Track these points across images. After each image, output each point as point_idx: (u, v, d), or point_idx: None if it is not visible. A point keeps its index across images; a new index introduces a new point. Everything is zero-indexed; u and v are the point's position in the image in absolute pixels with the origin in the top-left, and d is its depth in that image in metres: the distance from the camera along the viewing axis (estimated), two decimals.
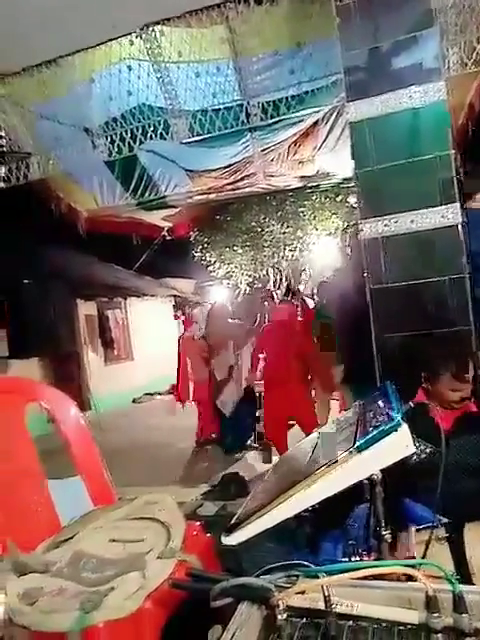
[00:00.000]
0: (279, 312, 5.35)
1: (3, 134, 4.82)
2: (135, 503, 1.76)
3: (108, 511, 1.74)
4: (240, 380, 5.39)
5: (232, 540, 1.11)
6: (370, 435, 1.08)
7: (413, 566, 1.09)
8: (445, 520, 1.58)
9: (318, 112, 4.21)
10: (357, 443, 1.10)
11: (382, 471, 1.15)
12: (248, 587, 0.87)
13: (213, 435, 6.01)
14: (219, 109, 4.07)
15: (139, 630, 1.23)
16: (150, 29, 3.86)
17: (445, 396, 1.93)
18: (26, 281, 8.09)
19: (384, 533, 1.24)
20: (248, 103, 4.00)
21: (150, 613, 1.25)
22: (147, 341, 10.93)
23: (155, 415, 8.36)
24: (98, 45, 4.06)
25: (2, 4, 3.39)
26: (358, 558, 1.42)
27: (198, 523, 1.64)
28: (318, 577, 0.89)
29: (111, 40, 4.01)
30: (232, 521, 1.17)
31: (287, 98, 3.92)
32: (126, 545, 1.57)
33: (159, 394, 10.05)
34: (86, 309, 9.63)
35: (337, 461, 1.07)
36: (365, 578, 0.89)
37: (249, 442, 5.47)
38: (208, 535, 1.60)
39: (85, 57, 4.15)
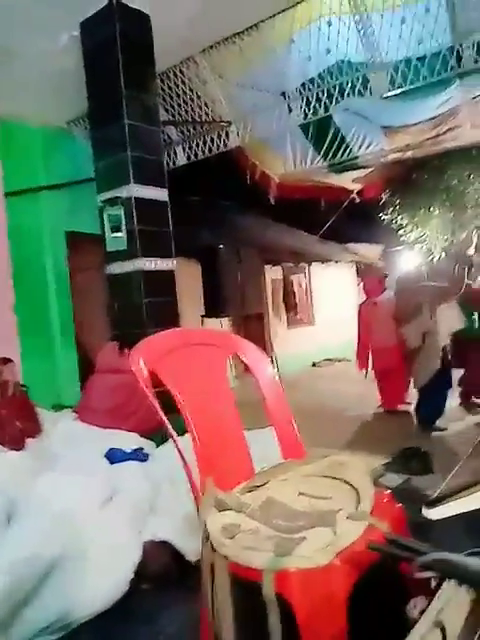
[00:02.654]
0: None
1: (204, 104, 5.11)
2: (324, 462, 1.79)
3: (297, 465, 1.81)
4: (436, 347, 4.98)
5: (435, 514, 1.05)
6: None
7: None
8: None
9: None
10: None
11: None
12: (458, 566, 0.81)
13: (400, 406, 5.80)
14: (425, 56, 3.72)
15: (328, 584, 1.26)
16: None
17: None
18: (220, 246, 8.64)
19: None
20: (460, 46, 3.57)
21: (340, 570, 1.27)
22: (329, 307, 10.93)
23: (334, 380, 8.38)
24: (297, 4, 4.00)
25: None
26: None
27: (388, 491, 1.61)
28: None
29: None
30: (435, 494, 1.11)
31: None
32: (313, 500, 1.61)
33: (338, 360, 10.03)
34: (273, 274, 9.96)
35: None
36: None
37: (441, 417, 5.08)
38: (399, 505, 1.56)
39: (284, 18, 4.13)
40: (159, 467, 2.95)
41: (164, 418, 1.67)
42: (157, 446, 3.35)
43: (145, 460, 3.15)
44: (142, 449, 3.26)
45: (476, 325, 5.21)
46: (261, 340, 9.02)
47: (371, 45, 3.88)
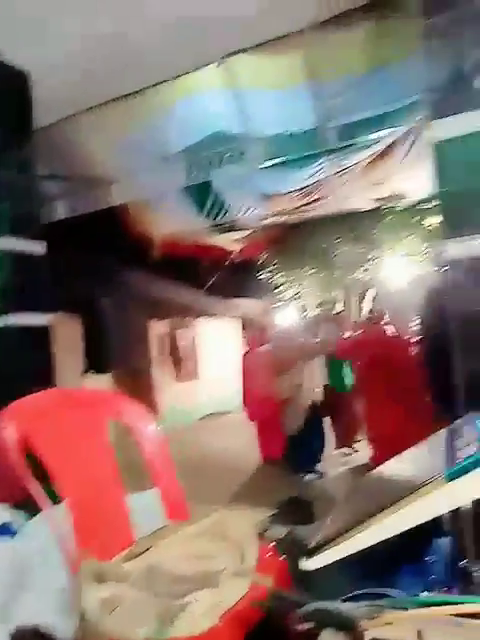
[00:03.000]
0: (365, 336, 5.18)
1: (87, 161, 5.12)
2: (208, 520, 1.77)
3: (181, 526, 1.77)
4: (305, 399, 5.28)
5: (312, 564, 1.09)
6: (461, 465, 1.03)
7: None
8: None
9: (395, 133, 4.17)
10: (446, 472, 1.04)
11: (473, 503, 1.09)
12: (333, 613, 0.85)
13: (278, 455, 5.93)
14: (295, 133, 4.12)
15: None
16: (229, 59, 3.99)
17: None
18: (104, 300, 8.47)
19: (473, 570, 1.16)
20: (324, 126, 4.02)
21: (225, 631, 1.24)
22: (215, 360, 11.06)
23: (220, 433, 8.39)
24: (179, 76, 4.25)
25: (87, 41, 3.64)
26: (439, 594, 1.34)
27: (272, 545, 1.63)
28: (406, 609, 0.84)
29: (191, 72, 4.19)
30: (312, 544, 1.15)
31: (363, 120, 3.90)
32: (198, 561, 1.58)
33: (224, 413, 10.09)
34: (159, 328, 9.92)
35: (427, 488, 1.02)
36: (459, 615, 0.84)
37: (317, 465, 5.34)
38: (282, 557, 1.58)
39: (167, 87, 4.35)
40: (30, 542, 2.69)
41: (35, 487, 1.55)
42: (28, 518, 3.06)
43: (13, 535, 2.85)
44: (10, 524, 2.95)
45: (344, 378, 5.62)
46: (146, 396, 8.81)
47: (246, 119, 4.21)
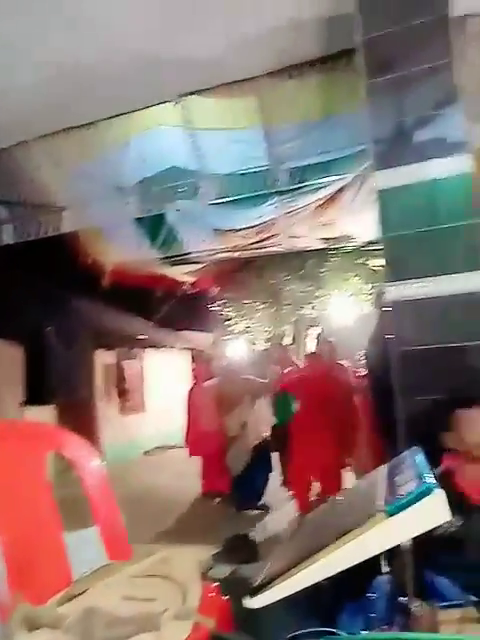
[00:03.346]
0: (311, 370, 5.25)
1: (38, 188, 5.06)
2: (150, 560, 1.72)
3: (122, 566, 1.70)
4: (253, 437, 5.29)
5: (256, 603, 1.08)
6: (401, 500, 1.06)
7: None
8: (474, 599, 1.50)
9: (343, 179, 4.39)
10: (387, 507, 1.07)
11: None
12: None
13: (222, 491, 5.88)
14: (247, 173, 4.26)
15: None
16: (185, 98, 4.11)
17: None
18: (48, 328, 8.23)
19: (412, 606, 1.19)
20: (275, 169, 4.18)
21: None
22: (162, 393, 10.90)
23: (165, 468, 8.20)
24: (135, 111, 4.33)
25: (44, 70, 3.66)
26: (379, 631, 1.35)
27: (215, 584, 1.59)
28: None
29: (148, 107, 4.28)
30: (256, 583, 1.14)
31: (313, 165, 4.09)
32: (138, 603, 1.52)
33: (170, 447, 9.90)
34: (105, 358, 9.70)
35: (368, 525, 1.05)
36: None
37: (261, 501, 5.30)
38: (225, 597, 1.55)
39: (122, 121, 4.40)
40: None
41: None
42: None
43: None
44: None
45: (290, 412, 5.65)
46: (90, 428, 8.53)
47: (201, 157, 4.32)
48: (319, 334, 9.39)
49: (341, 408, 4.72)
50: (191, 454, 6.29)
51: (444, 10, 2.60)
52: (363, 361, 4.00)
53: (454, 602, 1.46)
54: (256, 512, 5.16)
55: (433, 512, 1.04)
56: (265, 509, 5.19)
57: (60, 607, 1.49)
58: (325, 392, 4.77)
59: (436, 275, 2.49)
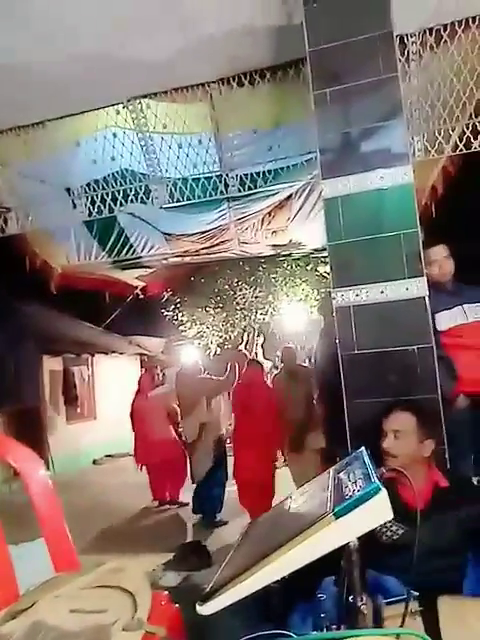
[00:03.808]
0: (248, 374, 5.31)
1: None
2: (99, 570, 1.68)
3: (70, 579, 1.66)
4: (213, 440, 5.24)
5: (207, 609, 1.08)
6: (348, 501, 1.09)
7: (398, 635, 1.09)
8: (416, 594, 1.57)
9: (292, 187, 4.47)
10: (335, 509, 1.10)
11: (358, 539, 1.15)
12: None
13: (174, 499, 5.86)
14: (199, 178, 4.26)
15: None
16: (136, 101, 4.08)
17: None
18: None
19: (360, 604, 1.22)
20: (226, 175, 4.21)
21: None
22: (112, 400, 10.70)
23: (115, 478, 8.06)
24: (85, 112, 4.25)
25: None
26: (328, 631, 1.38)
27: (166, 593, 1.58)
28: None
29: (98, 109, 4.21)
30: (207, 589, 1.15)
31: (263, 172, 4.15)
32: (87, 616, 1.49)
33: (121, 455, 9.73)
34: (52, 365, 9.43)
35: (316, 526, 1.07)
36: None
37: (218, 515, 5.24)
38: (176, 606, 1.54)
39: (71, 122, 4.32)
40: None
41: None
42: None
43: None
44: None
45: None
46: (37, 437, 8.27)
47: (152, 161, 4.29)
48: (264, 341, 9.57)
49: (275, 416, 4.82)
50: (138, 462, 6.25)
51: (388, 27, 2.71)
52: (311, 365, 4.09)
53: (398, 597, 1.52)
54: (210, 519, 5.13)
55: (378, 511, 1.08)
56: (223, 521, 5.14)
57: (7, 623, 1.44)
58: (258, 401, 4.87)
59: (378, 282, 2.59)
